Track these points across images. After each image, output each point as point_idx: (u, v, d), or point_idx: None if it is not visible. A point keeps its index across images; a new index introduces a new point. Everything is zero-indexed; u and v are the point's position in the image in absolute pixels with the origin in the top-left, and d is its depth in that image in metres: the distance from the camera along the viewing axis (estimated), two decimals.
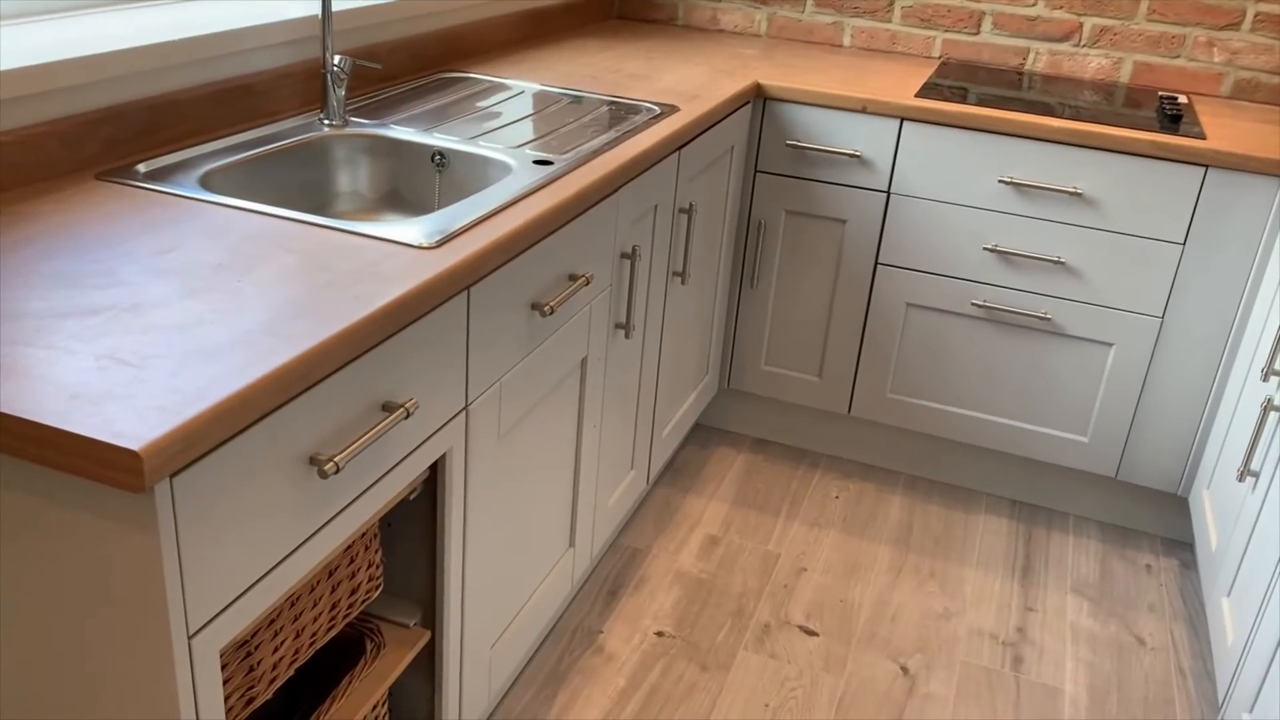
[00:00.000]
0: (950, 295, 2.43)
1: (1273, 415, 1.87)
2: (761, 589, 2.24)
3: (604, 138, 1.86)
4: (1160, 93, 2.59)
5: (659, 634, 2.10)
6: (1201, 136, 2.20)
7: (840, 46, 2.89)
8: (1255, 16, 2.54)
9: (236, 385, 0.97)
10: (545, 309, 1.54)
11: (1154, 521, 2.52)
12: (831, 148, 2.40)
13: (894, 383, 2.55)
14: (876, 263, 2.47)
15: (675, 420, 2.40)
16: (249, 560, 1.06)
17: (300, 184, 1.72)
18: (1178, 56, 2.63)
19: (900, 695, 1.99)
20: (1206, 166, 2.16)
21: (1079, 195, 2.26)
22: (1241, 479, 1.92)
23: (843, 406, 2.61)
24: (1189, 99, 2.56)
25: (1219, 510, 2.11)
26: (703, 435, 2.79)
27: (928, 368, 2.51)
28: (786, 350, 2.62)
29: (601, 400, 1.90)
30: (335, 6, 1.88)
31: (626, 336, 1.94)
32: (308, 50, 1.86)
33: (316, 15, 1.82)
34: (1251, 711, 1.65)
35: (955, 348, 2.47)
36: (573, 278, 1.67)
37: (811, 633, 2.13)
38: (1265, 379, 1.93)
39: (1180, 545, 2.50)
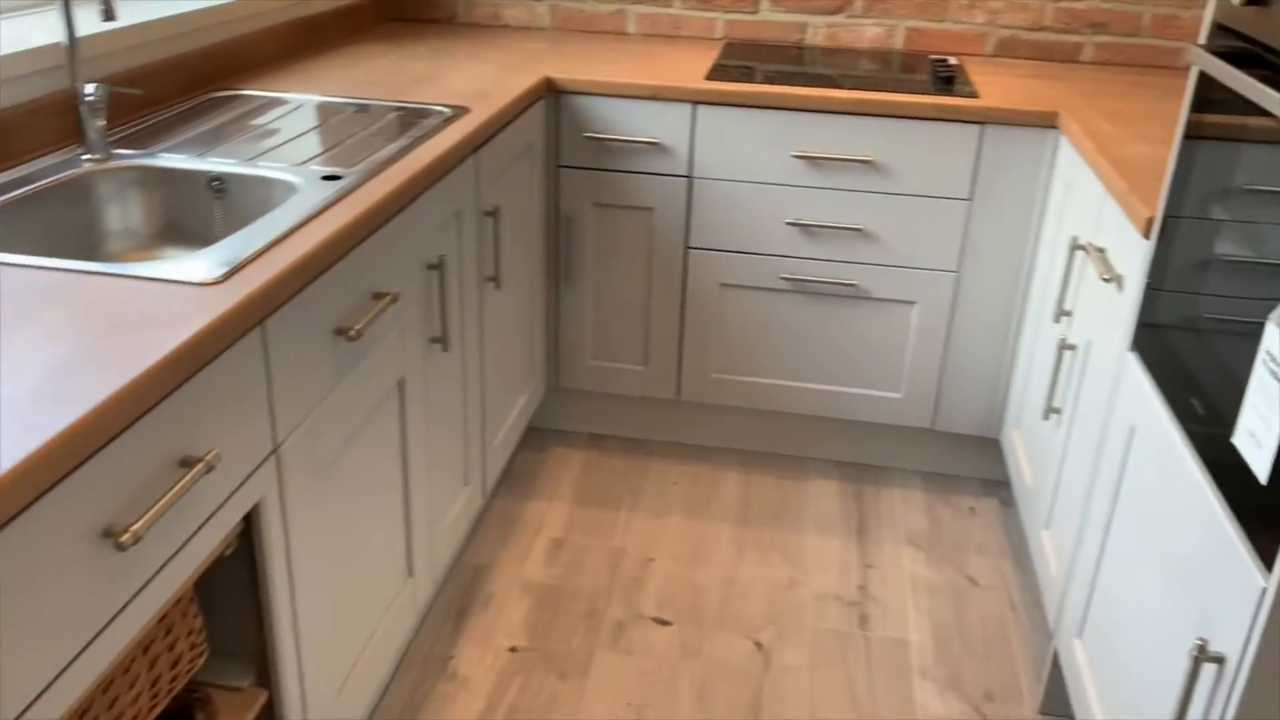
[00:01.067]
0: (760, 272, 2.47)
1: (1067, 354, 1.97)
2: (611, 587, 2.22)
3: (395, 146, 1.79)
4: (932, 56, 2.71)
5: (512, 649, 2.05)
6: (974, 95, 2.31)
7: (626, 34, 2.89)
8: None
9: (2, 466, 0.87)
10: (351, 333, 1.46)
11: (971, 465, 2.64)
12: (630, 137, 2.39)
13: (717, 363, 2.57)
14: (687, 247, 2.48)
15: (506, 427, 2.35)
16: (48, 652, 0.95)
17: (64, 227, 1.58)
18: (944, 20, 2.75)
19: (758, 670, 2.02)
20: (982, 124, 2.27)
21: (870, 163, 2.33)
22: (1046, 417, 2.03)
23: (671, 392, 2.62)
24: (959, 60, 2.68)
25: (1030, 448, 2.23)
26: (537, 438, 2.75)
27: (747, 345, 2.54)
28: (611, 343, 2.60)
29: (425, 419, 1.83)
30: (84, 30, 1.73)
31: (444, 350, 1.88)
32: (58, 80, 1.71)
33: (62, 42, 1.67)
34: (1081, 636, 1.75)
35: (771, 322, 2.51)
36: (378, 296, 1.59)
37: (665, 623, 2.13)
38: (1057, 320, 2.04)
39: (997, 484, 2.63)
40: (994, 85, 2.43)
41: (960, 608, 2.20)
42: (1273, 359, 1.18)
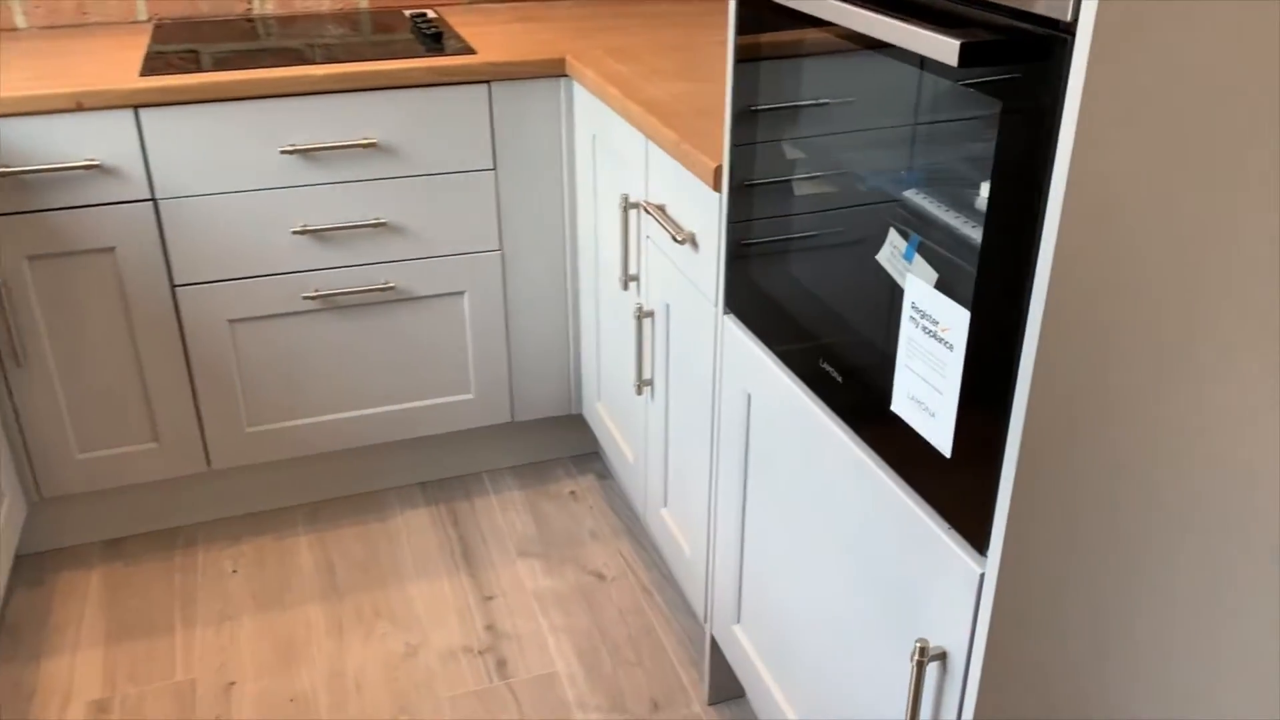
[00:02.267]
0: (276, 296, 2.04)
1: (646, 323, 1.81)
2: None
3: None
4: (407, 11, 2.39)
5: None
6: (471, 51, 2.03)
7: (15, 30, 2.24)
8: None
9: None
10: None
11: (559, 445, 2.45)
12: (57, 164, 1.82)
13: (249, 414, 2.11)
14: (173, 286, 1.98)
15: None
16: None
17: None
18: None
19: None
20: (488, 82, 2.01)
21: (375, 146, 1.98)
22: (640, 391, 1.86)
23: (199, 464, 2.12)
24: (437, 12, 2.39)
25: (624, 424, 2.06)
26: (32, 569, 2.11)
27: (282, 384, 2.11)
28: (102, 426, 2.04)
29: None
30: None
31: None
32: None
33: None
34: (740, 622, 1.61)
35: (304, 351, 2.10)
36: None
37: None
38: (625, 287, 1.86)
39: (588, 458, 2.46)
40: (485, 37, 2.17)
41: (596, 612, 2.00)
42: (920, 312, 1.04)
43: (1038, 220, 0.84)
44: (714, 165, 1.42)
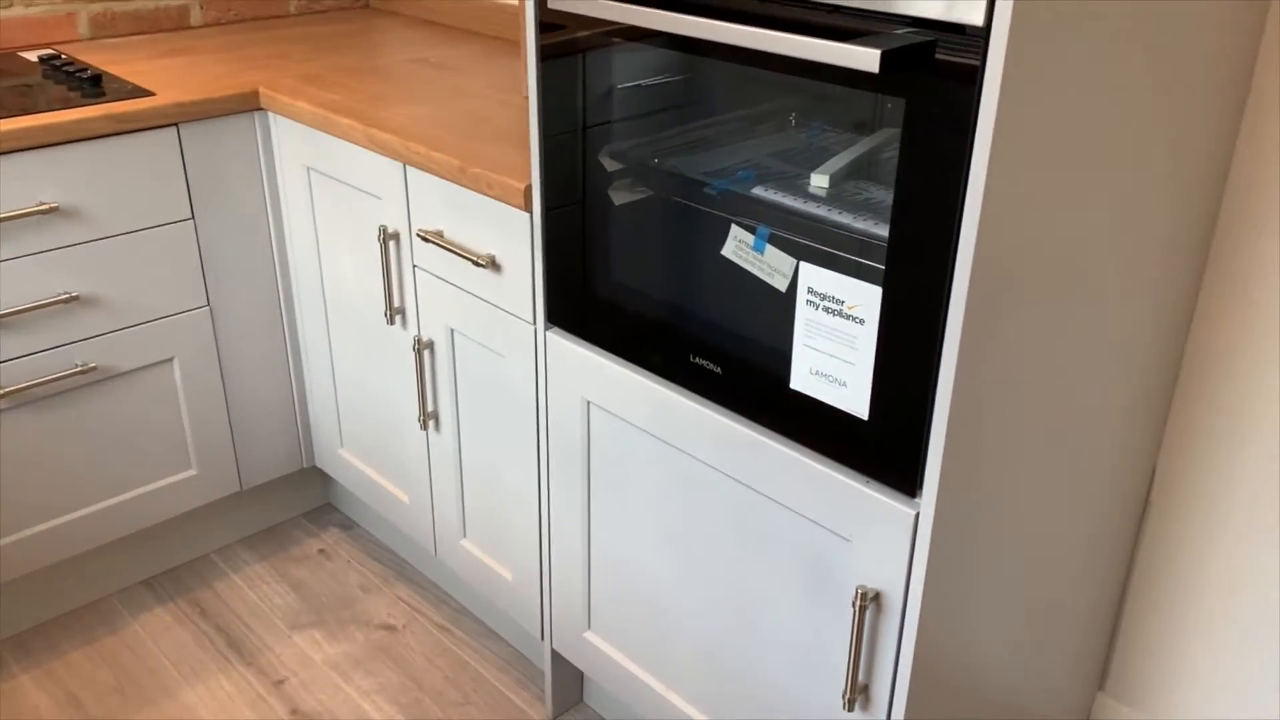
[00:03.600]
0: None
1: (426, 354, 1.75)
2: None
3: None
4: (26, 55, 2.07)
5: None
6: (147, 93, 1.82)
7: None
8: None
9: None
10: None
11: (287, 506, 2.28)
12: None
13: None
14: None
15: None
16: None
17: None
18: (11, 5, 2.11)
19: None
20: (176, 124, 1.81)
21: (56, 210, 1.71)
22: (425, 426, 1.79)
23: None
24: (64, 52, 2.09)
25: (389, 465, 1.97)
26: None
27: None
28: None
29: None
30: None
31: None
32: None
33: None
34: (590, 628, 1.64)
35: None
36: None
37: None
38: (391, 321, 1.78)
39: (322, 510, 2.31)
40: (150, 76, 1.95)
41: (401, 664, 1.91)
42: (819, 295, 1.14)
43: (955, 209, 0.97)
44: (522, 186, 1.42)
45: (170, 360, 1.93)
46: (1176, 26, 1.09)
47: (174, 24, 2.31)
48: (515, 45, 2.21)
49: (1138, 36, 1.04)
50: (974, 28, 0.91)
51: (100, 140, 1.73)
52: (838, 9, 1.01)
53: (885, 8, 0.97)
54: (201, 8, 2.34)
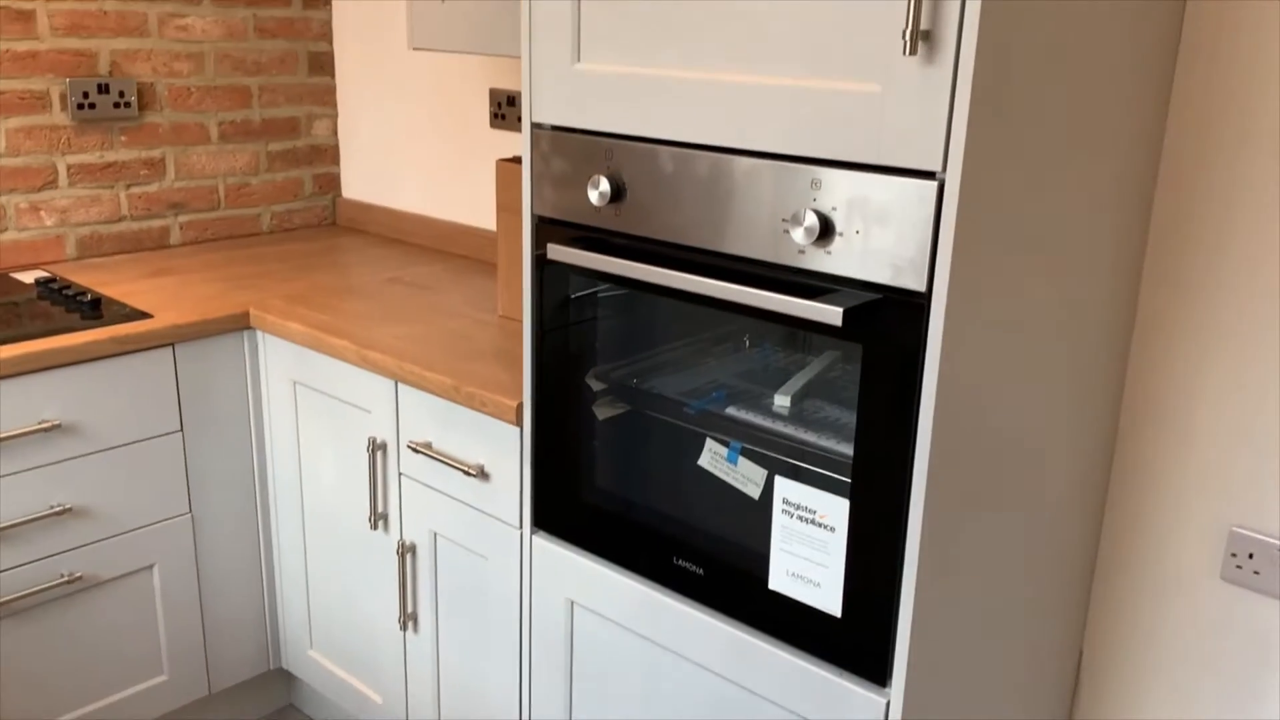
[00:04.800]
0: None
1: (408, 558, 1.85)
2: None
3: None
4: (20, 277, 2.19)
5: None
6: (145, 315, 1.95)
7: None
8: (69, 170, 2.30)
9: None
10: None
11: (252, 708, 2.29)
12: None
13: None
14: None
15: None
16: None
17: None
18: (5, 230, 2.24)
19: None
20: (172, 344, 1.94)
21: (59, 427, 1.81)
22: (404, 627, 1.87)
23: None
24: (56, 274, 2.22)
25: (363, 666, 2.03)
26: None
27: None
28: None
29: None
30: None
31: None
32: None
33: None
34: None
35: None
36: None
37: None
38: (374, 526, 1.89)
39: (284, 712, 2.33)
40: (142, 297, 2.08)
41: None
42: (793, 505, 1.30)
43: (909, 433, 1.15)
44: (514, 404, 1.58)
45: (151, 567, 1.99)
46: (1080, 271, 1.32)
47: (155, 243, 2.47)
48: (480, 264, 2.41)
49: (1049, 297, 1.26)
50: (918, 293, 1.12)
51: (102, 361, 1.85)
52: (801, 270, 1.21)
53: (838, 271, 1.18)
54: (181, 228, 2.51)
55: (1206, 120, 1.40)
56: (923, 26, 1.05)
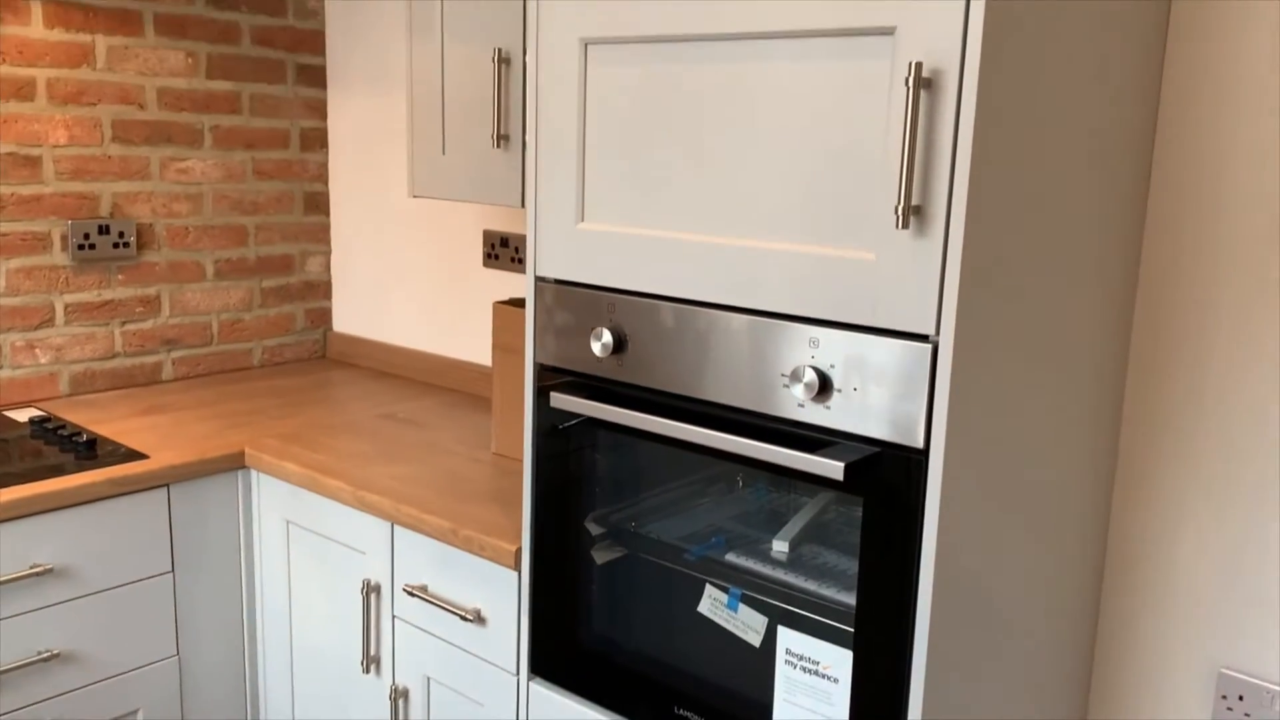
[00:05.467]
0: None
1: (400, 702, 1.83)
2: None
3: None
4: (13, 415, 2.20)
5: None
6: (141, 455, 1.96)
7: None
8: (66, 308, 2.34)
9: None
10: None
11: None
12: None
13: None
14: None
15: None
16: None
17: None
18: (1, 368, 2.26)
19: None
20: (168, 485, 1.94)
21: (50, 571, 1.80)
22: None
23: None
24: (50, 413, 2.23)
25: None
26: None
27: None
28: None
29: None
30: None
31: None
32: None
33: None
34: None
35: None
36: None
37: None
38: (366, 670, 1.87)
39: None
40: (136, 435, 2.09)
41: None
42: (796, 656, 1.32)
43: (911, 584, 1.18)
44: (513, 548, 1.59)
45: (135, 712, 1.96)
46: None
47: (147, 379, 2.49)
48: (471, 398, 2.45)
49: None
50: (916, 449, 1.16)
51: (97, 504, 1.85)
52: (800, 424, 1.26)
53: (838, 425, 1.22)
54: (173, 364, 2.53)
55: (1174, 285, 1.48)
56: (914, 202, 1.12)
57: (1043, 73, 1.18)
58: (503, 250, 2.39)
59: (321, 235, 2.76)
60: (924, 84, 1.10)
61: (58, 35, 2.24)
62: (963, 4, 1.07)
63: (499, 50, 1.80)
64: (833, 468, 1.19)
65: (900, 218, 1.11)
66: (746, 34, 1.23)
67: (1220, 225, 1.43)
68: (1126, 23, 1.33)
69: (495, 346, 2.02)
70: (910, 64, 1.08)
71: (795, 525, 1.46)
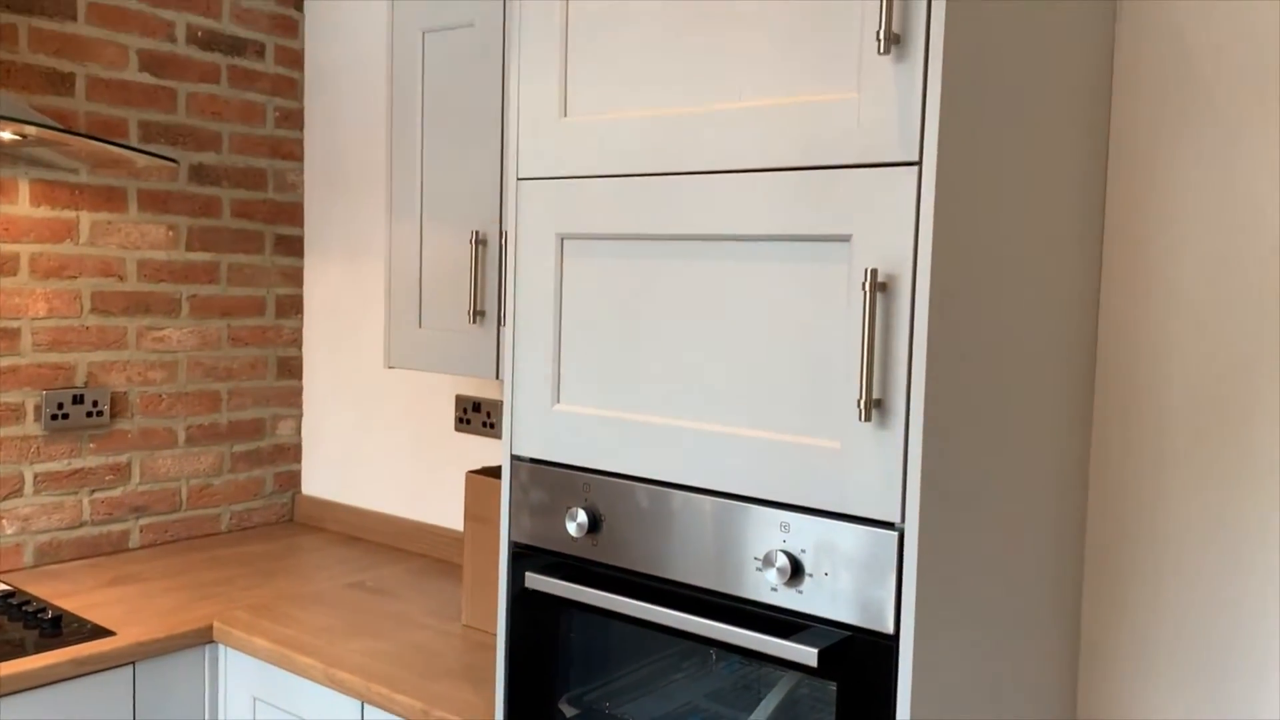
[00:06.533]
0: None
1: None
2: None
3: None
4: None
5: None
6: (108, 632, 1.93)
7: None
8: (35, 478, 2.33)
9: None
10: None
11: None
12: None
13: None
14: None
15: None
16: None
17: None
18: None
19: None
20: (134, 662, 1.92)
21: None
22: None
23: None
24: (13, 586, 2.20)
25: None
26: None
27: None
28: None
29: None
30: None
31: None
32: None
33: None
34: None
35: None
36: None
37: None
38: None
39: None
40: (101, 610, 2.06)
41: None
42: None
43: None
44: None
45: None
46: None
47: (114, 547, 2.47)
48: (439, 563, 2.45)
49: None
50: (886, 634, 1.19)
51: (58, 684, 1.82)
52: (773, 608, 1.29)
53: (810, 610, 1.25)
54: (141, 531, 2.52)
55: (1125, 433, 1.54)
56: (875, 396, 1.18)
57: (997, 268, 1.26)
58: (474, 415, 2.43)
59: (293, 399, 2.80)
60: (880, 288, 1.17)
61: (43, 213, 2.31)
62: (913, 215, 1.15)
63: (476, 233, 1.88)
64: (807, 654, 1.21)
65: (863, 410, 1.17)
66: (711, 235, 1.31)
67: (1168, 399, 1.51)
68: (1071, 208, 1.43)
69: (468, 517, 2.04)
70: (866, 270, 1.16)
71: (769, 704, 1.47)
